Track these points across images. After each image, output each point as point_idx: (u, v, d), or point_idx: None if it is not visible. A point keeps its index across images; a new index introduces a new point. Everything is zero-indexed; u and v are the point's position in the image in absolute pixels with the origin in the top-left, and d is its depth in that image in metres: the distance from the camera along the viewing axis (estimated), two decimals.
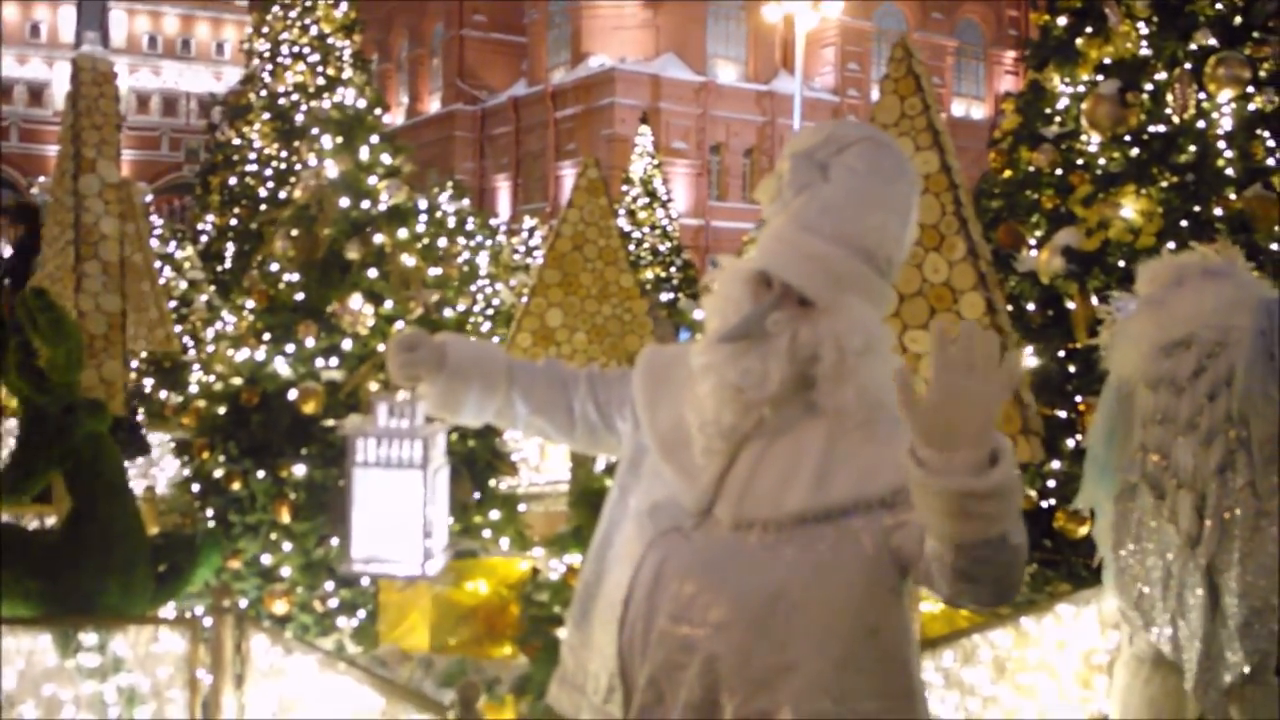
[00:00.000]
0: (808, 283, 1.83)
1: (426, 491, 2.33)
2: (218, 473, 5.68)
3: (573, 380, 2.13)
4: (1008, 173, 7.53)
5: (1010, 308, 6.47)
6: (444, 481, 2.43)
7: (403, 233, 6.12)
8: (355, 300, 5.78)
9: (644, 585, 1.87)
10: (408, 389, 2.18)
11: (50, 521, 5.47)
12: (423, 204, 6.75)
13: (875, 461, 1.78)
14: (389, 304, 5.92)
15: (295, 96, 17.48)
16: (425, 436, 2.30)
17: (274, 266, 6.10)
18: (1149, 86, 6.92)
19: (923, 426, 1.50)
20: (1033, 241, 7.09)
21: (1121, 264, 6.41)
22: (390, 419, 2.32)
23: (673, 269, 26.48)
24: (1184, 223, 6.44)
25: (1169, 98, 6.82)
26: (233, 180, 19.61)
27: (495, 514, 5.96)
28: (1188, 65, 6.81)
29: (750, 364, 1.83)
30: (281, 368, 5.78)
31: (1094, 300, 6.45)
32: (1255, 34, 6.84)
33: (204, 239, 20.49)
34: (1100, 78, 7.08)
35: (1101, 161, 6.94)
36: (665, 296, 23.22)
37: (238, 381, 5.86)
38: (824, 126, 1.94)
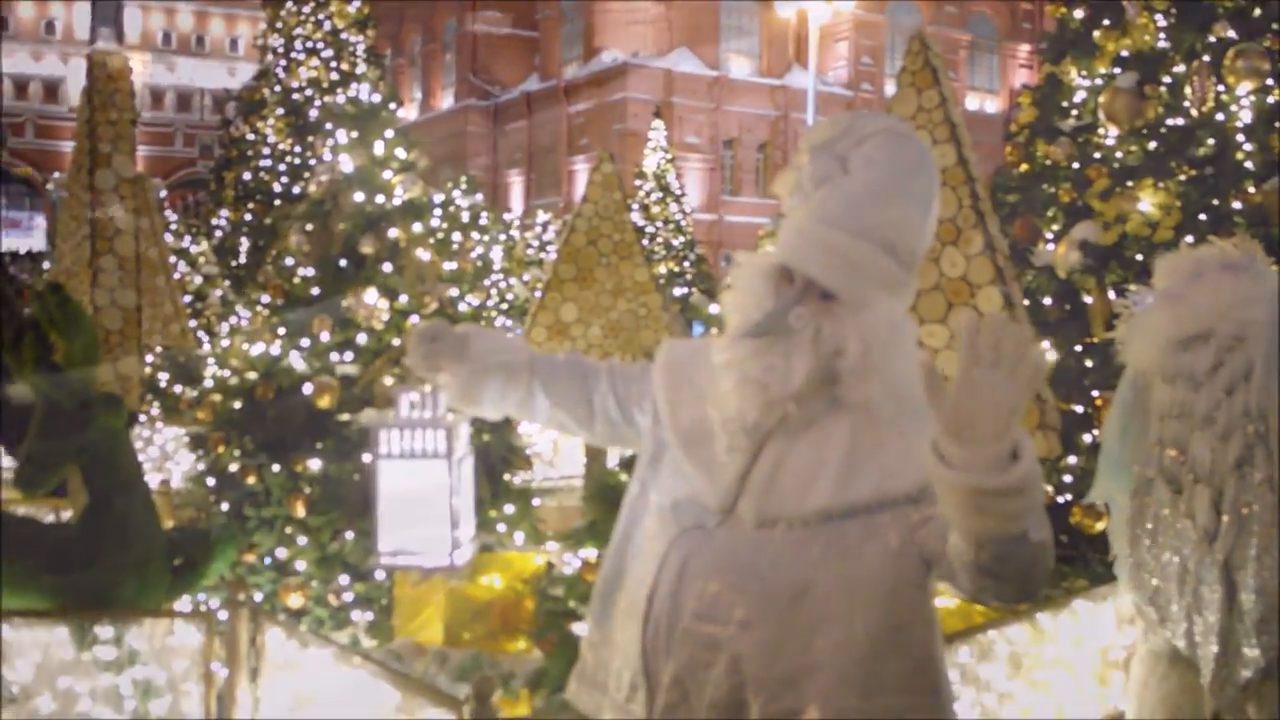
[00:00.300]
0: (830, 276, 1.80)
1: (452, 481, 2.31)
2: (233, 467, 5.70)
3: (593, 374, 2.11)
4: (1024, 166, 7.50)
5: (1027, 302, 6.44)
6: (469, 471, 2.43)
7: (417, 227, 6.12)
8: (370, 295, 5.79)
9: (668, 583, 1.85)
10: (429, 380, 2.16)
11: (66, 515, 5.50)
12: (437, 199, 6.75)
13: (901, 457, 1.76)
14: (403, 298, 5.93)
15: (309, 92, 17.52)
16: (448, 426, 2.29)
17: (289, 261, 6.11)
18: (1167, 79, 6.87)
19: (946, 419, 1.49)
20: (1049, 235, 7.06)
21: (1139, 258, 6.37)
22: (412, 410, 2.31)
23: (686, 264, 26.45)
24: (1202, 216, 6.40)
25: (1187, 90, 6.78)
26: (247, 175, 19.67)
27: (510, 508, 5.96)
28: (1206, 58, 6.77)
29: (774, 360, 1.80)
30: (296, 362, 5.79)
31: (1111, 294, 6.42)
32: (1275, 26, 6.78)
33: (218, 234, 20.56)
34: (1118, 70, 7.04)
35: (1119, 155, 6.90)
36: (679, 291, 23.21)
37: (253, 376, 5.87)
38: (843, 118, 1.91)
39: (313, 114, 17.01)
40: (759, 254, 1.91)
